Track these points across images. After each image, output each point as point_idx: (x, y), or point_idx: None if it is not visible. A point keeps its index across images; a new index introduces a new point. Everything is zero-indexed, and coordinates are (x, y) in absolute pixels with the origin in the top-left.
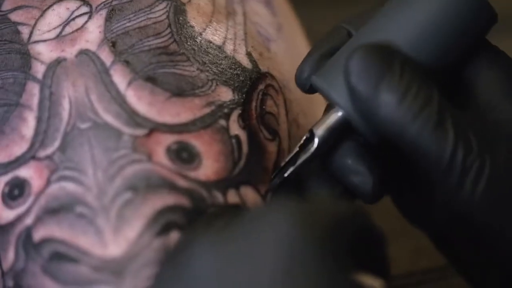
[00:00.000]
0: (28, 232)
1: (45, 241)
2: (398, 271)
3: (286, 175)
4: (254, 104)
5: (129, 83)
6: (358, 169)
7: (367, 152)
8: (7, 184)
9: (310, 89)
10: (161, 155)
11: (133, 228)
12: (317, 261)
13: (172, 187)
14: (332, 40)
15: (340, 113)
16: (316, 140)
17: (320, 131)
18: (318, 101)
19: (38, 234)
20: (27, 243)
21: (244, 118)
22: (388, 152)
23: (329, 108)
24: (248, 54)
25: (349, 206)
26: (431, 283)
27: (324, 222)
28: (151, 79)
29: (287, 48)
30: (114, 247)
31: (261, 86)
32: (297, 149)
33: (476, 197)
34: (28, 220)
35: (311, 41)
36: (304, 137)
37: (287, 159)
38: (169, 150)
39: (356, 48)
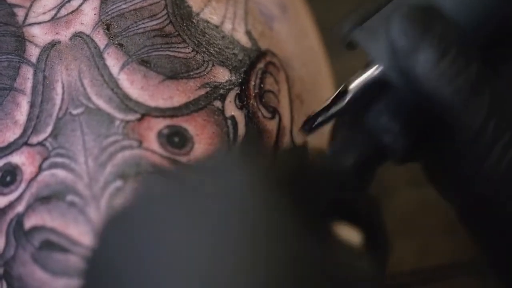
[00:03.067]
0: (19, 219)
1: (36, 229)
2: (403, 269)
3: (314, 125)
4: (252, 83)
5: (122, 67)
6: (391, 128)
7: (402, 113)
8: None
9: (349, 45)
10: (152, 141)
11: None
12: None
13: (162, 174)
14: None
15: (377, 69)
16: (350, 93)
17: (355, 84)
18: (323, 82)
19: (29, 222)
20: (18, 230)
21: (242, 98)
22: (422, 114)
23: (367, 66)
24: (248, 33)
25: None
26: (436, 281)
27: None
28: (144, 62)
29: (292, 28)
30: None
31: (261, 65)
32: (330, 100)
33: (504, 166)
34: (20, 208)
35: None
36: (339, 89)
37: (318, 110)
38: (160, 135)
39: (400, 6)
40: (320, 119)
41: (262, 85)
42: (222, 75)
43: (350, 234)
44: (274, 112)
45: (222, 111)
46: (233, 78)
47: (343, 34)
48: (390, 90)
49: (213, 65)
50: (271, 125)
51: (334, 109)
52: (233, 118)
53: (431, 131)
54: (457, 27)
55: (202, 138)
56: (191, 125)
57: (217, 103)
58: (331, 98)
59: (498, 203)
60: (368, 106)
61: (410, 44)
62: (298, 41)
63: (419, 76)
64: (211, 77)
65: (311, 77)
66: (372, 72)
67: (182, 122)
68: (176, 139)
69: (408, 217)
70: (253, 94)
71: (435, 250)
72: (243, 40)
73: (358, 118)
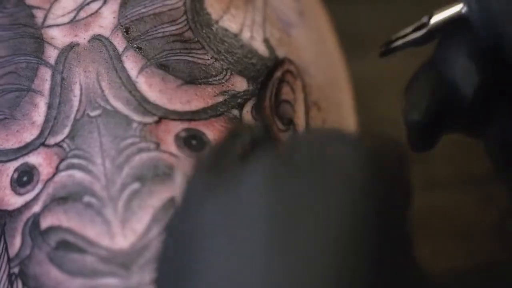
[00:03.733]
0: (35, 219)
1: (52, 229)
2: None
3: (392, 46)
4: (269, 94)
5: (141, 70)
6: (467, 66)
7: (480, 55)
8: (16, 170)
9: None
10: (169, 143)
11: (141, 221)
12: (383, 207)
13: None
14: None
15: (462, 8)
16: (430, 23)
17: (437, 16)
18: (341, 88)
19: (46, 222)
20: (34, 230)
21: (258, 109)
22: (498, 62)
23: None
24: (266, 41)
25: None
26: (450, 283)
27: (394, 161)
28: (163, 66)
29: (310, 34)
30: (121, 239)
31: (278, 74)
32: (411, 28)
33: None
34: (36, 208)
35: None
36: (421, 20)
37: (398, 35)
38: (178, 138)
39: None
40: (397, 43)
41: (278, 96)
42: (240, 84)
43: None
44: (289, 123)
45: (239, 120)
46: (251, 88)
47: None
48: (470, 30)
49: (231, 74)
50: (285, 137)
51: (414, 35)
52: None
53: (505, 81)
54: None
55: None
56: (208, 130)
57: (235, 112)
58: (413, 26)
59: None
60: (445, 43)
61: None
62: (316, 47)
63: (501, 16)
64: (230, 86)
65: (329, 83)
66: (455, 8)
67: (199, 126)
68: (194, 141)
69: (421, 221)
70: (269, 106)
71: (448, 254)
72: (261, 49)
73: (432, 56)
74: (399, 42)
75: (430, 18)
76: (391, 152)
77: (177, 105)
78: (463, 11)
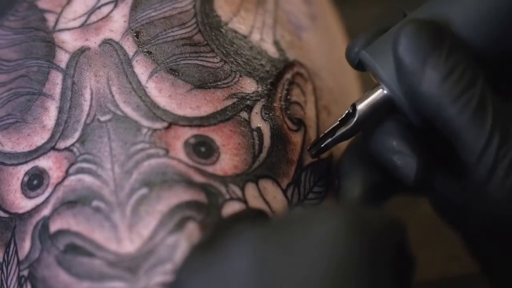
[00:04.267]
0: (44, 222)
1: (61, 232)
2: (429, 278)
3: (322, 145)
4: (279, 95)
5: (151, 75)
6: (402, 150)
7: (411, 135)
8: (26, 173)
9: (359, 65)
10: (178, 150)
11: (147, 226)
12: (365, 274)
13: (188, 183)
14: (386, 19)
15: (384, 90)
16: (357, 114)
17: (362, 106)
18: (351, 93)
19: (55, 226)
20: (43, 233)
21: (268, 110)
22: (428, 136)
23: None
24: (276, 43)
25: (393, 217)
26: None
27: (373, 229)
28: (173, 71)
29: (321, 38)
30: (128, 243)
31: (288, 76)
32: (337, 122)
33: (507, 188)
34: (46, 211)
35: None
36: (346, 111)
37: (326, 131)
38: (187, 144)
39: (408, 22)
40: (327, 141)
41: (288, 97)
42: (249, 86)
43: None
44: (300, 124)
45: (248, 122)
46: (260, 89)
47: (352, 55)
48: (397, 112)
49: (240, 76)
50: (296, 138)
51: (341, 131)
52: (259, 129)
53: (438, 155)
54: (464, 45)
55: (228, 149)
56: (217, 136)
57: (244, 114)
58: (339, 119)
59: (504, 225)
60: (375, 130)
61: (416, 62)
62: (327, 51)
63: (424, 95)
64: (239, 88)
65: (340, 88)
66: (379, 93)
67: (209, 132)
68: (202, 149)
69: (434, 226)
70: (279, 106)
71: (461, 259)
72: (271, 50)
73: (364, 143)
74: (328, 139)
75: (354, 108)
76: (383, 226)
77: (187, 111)
78: (385, 93)
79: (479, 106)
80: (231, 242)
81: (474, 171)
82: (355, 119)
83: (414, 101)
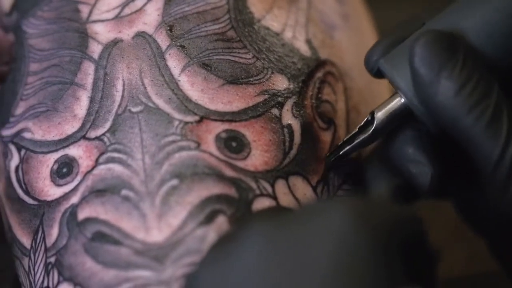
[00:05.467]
0: (73, 210)
1: (89, 220)
2: (453, 276)
3: (341, 153)
4: (310, 93)
5: (183, 69)
6: (418, 159)
7: (428, 143)
8: (56, 161)
9: (377, 73)
10: (210, 143)
11: (177, 216)
12: (371, 263)
13: (218, 176)
14: (405, 27)
15: (402, 99)
16: (375, 122)
17: (380, 114)
18: (381, 93)
19: (83, 213)
20: (71, 221)
21: (299, 107)
22: (446, 144)
23: (394, 94)
24: (308, 41)
25: (407, 209)
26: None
27: (382, 222)
28: (205, 66)
29: (353, 38)
30: (157, 232)
31: (319, 74)
32: (356, 129)
33: None
34: (74, 199)
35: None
36: (365, 119)
37: (345, 138)
38: (218, 139)
39: (423, 33)
40: (346, 149)
41: (319, 95)
42: (281, 83)
43: None
44: (330, 123)
45: (279, 119)
46: (291, 86)
47: (370, 64)
48: (415, 120)
49: (272, 73)
50: (326, 136)
51: (359, 139)
52: (289, 126)
53: (456, 163)
54: (479, 56)
55: (258, 145)
56: (248, 131)
57: (275, 111)
58: (358, 127)
59: None
60: (393, 137)
61: (431, 73)
62: (358, 51)
63: (440, 106)
64: (270, 85)
65: (369, 89)
66: (396, 101)
67: (240, 127)
68: (233, 143)
69: (459, 224)
70: (310, 104)
71: (485, 257)
72: (303, 48)
73: (384, 150)
74: (347, 147)
75: (372, 115)
76: (394, 218)
77: (219, 105)
78: (403, 101)
79: (494, 116)
80: (244, 232)
81: (490, 180)
82: (373, 126)
83: (430, 111)
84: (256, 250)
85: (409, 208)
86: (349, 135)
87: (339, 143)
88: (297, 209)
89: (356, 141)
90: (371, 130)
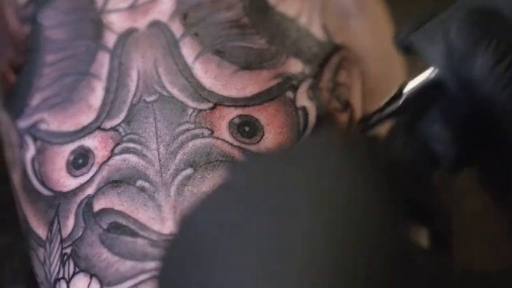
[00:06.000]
0: (88, 201)
1: (105, 211)
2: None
3: (370, 123)
4: (326, 76)
5: (197, 56)
6: (443, 137)
7: (454, 120)
8: (72, 152)
9: (406, 50)
10: (223, 130)
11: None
12: (370, 195)
13: (232, 163)
14: (435, 9)
15: (433, 73)
16: (404, 94)
17: (410, 86)
18: (397, 80)
19: (99, 204)
20: (87, 212)
21: (314, 90)
22: (475, 121)
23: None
24: (323, 27)
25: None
26: (504, 283)
27: (386, 159)
28: (219, 53)
29: (368, 25)
30: (172, 224)
31: (335, 59)
32: (386, 101)
33: None
34: (90, 190)
35: None
36: (395, 91)
37: (374, 110)
38: (231, 124)
39: (459, 7)
40: (374, 119)
41: (335, 78)
42: (295, 66)
43: (419, 235)
44: (346, 105)
45: (293, 101)
46: (306, 70)
47: (400, 38)
48: (444, 96)
49: (287, 57)
50: (343, 118)
51: (388, 110)
52: (304, 108)
53: (485, 138)
54: None
55: (272, 128)
56: (262, 115)
57: (289, 94)
58: (387, 99)
59: None
60: (422, 113)
61: (468, 47)
62: (373, 39)
63: (475, 80)
64: (284, 68)
65: (385, 74)
66: (427, 75)
67: (253, 112)
68: (246, 128)
69: (478, 219)
70: (326, 87)
71: (504, 253)
72: (319, 33)
73: (411, 124)
74: (375, 117)
75: (402, 88)
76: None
77: (232, 91)
78: (433, 76)
79: None
80: (232, 171)
81: None
82: (402, 99)
83: (464, 86)
84: (245, 184)
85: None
86: (379, 107)
87: (368, 114)
88: (281, 150)
89: (385, 112)
90: (400, 102)
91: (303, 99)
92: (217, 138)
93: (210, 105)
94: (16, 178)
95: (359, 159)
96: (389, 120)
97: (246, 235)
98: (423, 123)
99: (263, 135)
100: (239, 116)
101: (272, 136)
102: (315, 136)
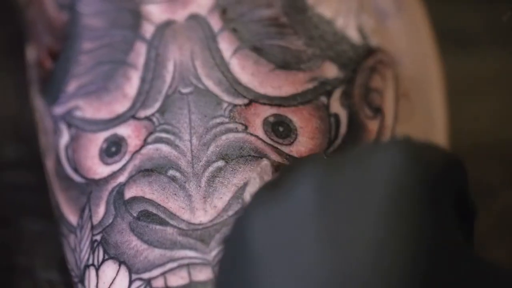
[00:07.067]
0: (120, 189)
1: (136, 199)
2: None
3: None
4: (359, 81)
5: (235, 52)
6: None
7: None
8: (105, 140)
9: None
10: (257, 127)
11: (222, 198)
12: (427, 206)
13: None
14: None
15: None
16: None
17: None
18: (433, 83)
19: (130, 192)
20: (118, 200)
21: (347, 96)
22: None
23: None
24: (359, 29)
25: (456, 155)
26: None
27: (435, 164)
28: (257, 49)
29: (405, 26)
30: (202, 213)
31: (370, 62)
32: None
33: None
34: (122, 178)
35: None
36: None
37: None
38: (266, 122)
39: None
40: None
41: (368, 84)
42: (331, 71)
43: None
44: (377, 111)
45: (327, 107)
46: (341, 75)
47: None
48: None
49: (322, 60)
50: (373, 125)
51: None
52: (336, 116)
53: None
54: None
55: (305, 131)
56: (296, 117)
57: (323, 99)
58: None
59: None
60: None
61: None
62: (410, 40)
63: None
64: (320, 72)
65: (421, 77)
66: None
67: (288, 112)
68: (280, 128)
69: (507, 217)
70: (358, 92)
71: None
72: (354, 36)
73: None
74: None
75: None
76: (445, 162)
77: (268, 89)
78: None
79: None
80: (295, 175)
81: None
82: None
83: None
84: (309, 193)
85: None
86: None
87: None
88: (348, 152)
89: None
90: None
91: (336, 105)
92: (251, 134)
93: (246, 101)
94: (49, 164)
95: (421, 169)
96: None
97: (301, 251)
98: None
99: (296, 138)
100: (274, 115)
101: (305, 140)
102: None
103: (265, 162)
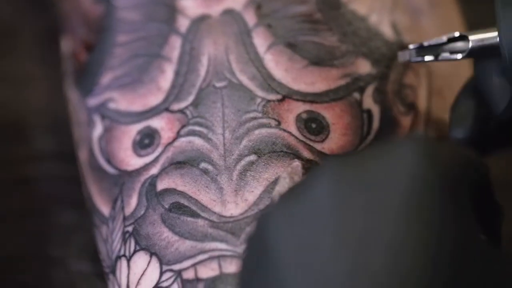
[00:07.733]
0: (152, 181)
1: (168, 191)
2: None
3: (425, 59)
4: (392, 78)
5: (269, 47)
6: (500, 84)
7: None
8: (139, 132)
9: None
10: (290, 123)
11: (254, 191)
12: (445, 204)
13: (295, 156)
14: None
15: (496, 37)
16: (470, 47)
17: (474, 38)
18: (465, 78)
19: (162, 184)
20: (150, 191)
21: (380, 93)
22: None
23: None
24: (393, 26)
25: (477, 154)
26: None
27: (454, 162)
28: (291, 45)
29: (439, 24)
30: (233, 206)
31: None
32: (444, 39)
33: None
34: (154, 170)
35: None
36: (453, 34)
37: (430, 43)
38: (299, 119)
39: None
40: (429, 58)
41: (401, 80)
42: (364, 67)
43: None
44: (411, 107)
45: (359, 103)
46: (374, 71)
47: None
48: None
49: (356, 57)
50: (406, 121)
51: (448, 56)
52: (369, 111)
53: None
54: None
55: (337, 128)
56: (329, 113)
57: (356, 95)
58: (446, 37)
59: None
60: (483, 65)
61: None
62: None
63: None
64: (353, 68)
65: (454, 74)
66: (492, 35)
67: (321, 109)
68: (313, 125)
69: None
70: (392, 89)
71: None
72: (388, 32)
73: (473, 81)
74: (431, 56)
75: (462, 35)
76: (463, 162)
77: (301, 86)
78: (497, 40)
79: None
80: (313, 174)
81: None
82: (465, 53)
83: None
84: (326, 191)
85: (478, 154)
86: (436, 42)
87: (424, 45)
88: (366, 149)
89: (440, 58)
90: (465, 53)
91: (369, 102)
92: (284, 130)
93: (279, 96)
94: (82, 156)
95: (442, 169)
96: (440, 57)
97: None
98: (484, 73)
99: (328, 134)
100: (307, 111)
101: (337, 136)
102: (395, 143)
103: (296, 163)
